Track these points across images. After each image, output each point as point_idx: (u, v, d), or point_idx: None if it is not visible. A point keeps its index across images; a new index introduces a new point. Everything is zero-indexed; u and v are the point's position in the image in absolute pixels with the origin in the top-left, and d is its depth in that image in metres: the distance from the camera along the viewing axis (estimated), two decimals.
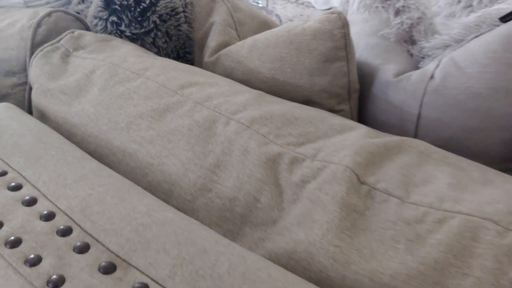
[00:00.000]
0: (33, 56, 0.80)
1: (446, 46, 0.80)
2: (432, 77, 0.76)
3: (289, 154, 0.62)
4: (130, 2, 0.84)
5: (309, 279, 0.52)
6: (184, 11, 0.92)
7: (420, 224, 0.52)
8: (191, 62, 0.95)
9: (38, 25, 0.82)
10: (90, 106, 0.72)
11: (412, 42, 0.85)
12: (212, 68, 0.89)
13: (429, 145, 0.66)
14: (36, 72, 0.78)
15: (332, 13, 0.76)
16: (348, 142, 0.63)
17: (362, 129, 0.67)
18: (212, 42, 0.91)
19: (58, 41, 0.81)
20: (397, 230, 0.53)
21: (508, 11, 0.73)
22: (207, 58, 0.90)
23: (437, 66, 0.77)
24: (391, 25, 0.85)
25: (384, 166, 0.60)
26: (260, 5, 3.32)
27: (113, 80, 0.73)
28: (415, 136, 0.79)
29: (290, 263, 0.53)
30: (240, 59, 0.84)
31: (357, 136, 0.65)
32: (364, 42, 0.87)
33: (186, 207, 0.62)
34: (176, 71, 0.76)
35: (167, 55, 0.91)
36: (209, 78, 0.76)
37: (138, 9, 0.85)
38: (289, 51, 0.79)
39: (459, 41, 0.78)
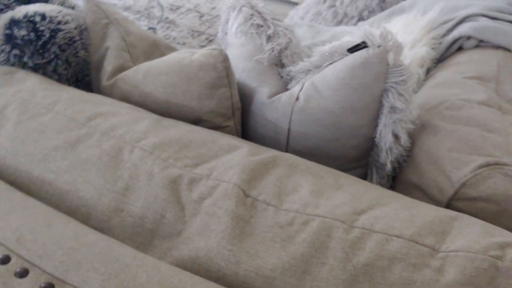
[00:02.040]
0: None
1: (308, 71, 0.97)
2: (297, 98, 0.94)
3: (188, 175, 0.76)
4: (31, 37, 0.92)
5: (210, 278, 0.67)
6: (81, 39, 1.01)
7: (290, 226, 0.70)
8: (89, 84, 1.05)
9: None
10: (7, 140, 0.80)
11: (282, 65, 1.02)
12: (110, 91, 0.99)
13: (297, 158, 0.83)
14: None
15: (214, 49, 0.91)
16: (234, 162, 0.79)
17: (245, 148, 0.83)
18: (108, 66, 1.01)
19: None
20: (274, 233, 0.69)
21: (354, 43, 0.92)
22: (105, 81, 1.00)
23: (301, 89, 0.95)
24: (264, 51, 1.02)
25: (263, 179, 0.77)
26: None
27: (25, 116, 0.82)
28: (287, 145, 0.97)
29: (194, 267, 0.68)
30: (136, 83, 0.96)
31: (241, 155, 0.81)
32: (242, 65, 1.02)
33: (103, 226, 0.75)
34: (81, 102, 0.86)
35: (68, 80, 1.00)
36: (112, 107, 0.87)
37: (39, 42, 0.93)
38: (180, 79, 0.92)
39: (318, 67, 0.96)
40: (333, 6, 1.92)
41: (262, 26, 1.05)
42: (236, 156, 0.81)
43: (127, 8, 3.41)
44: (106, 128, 0.82)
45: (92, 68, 1.04)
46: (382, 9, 1.83)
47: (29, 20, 0.93)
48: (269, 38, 1.03)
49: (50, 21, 0.96)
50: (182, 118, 0.95)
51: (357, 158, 0.99)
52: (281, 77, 1.02)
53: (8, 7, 1.07)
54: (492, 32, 1.26)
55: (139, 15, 3.33)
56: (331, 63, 0.95)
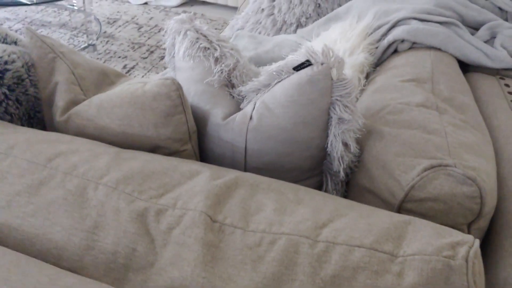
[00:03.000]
0: None
1: (258, 89, 1.02)
2: (251, 118, 0.98)
3: (154, 207, 0.79)
4: None
5: None
6: (29, 76, 1.01)
7: (258, 247, 0.74)
8: (42, 120, 1.05)
9: None
10: None
11: (232, 86, 1.06)
12: (64, 126, 1.00)
13: (257, 177, 0.87)
14: None
15: (166, 79, 0.94)
16: (198, 188, 0.82)
17: (206, 172, 0.87)
18: (60, 101, 1.01)
19: None
20: (244, 255, 0.73)
21: (299, 62, 0.96)
22: (58, 117, 1.00)
23: (254, 108, 0.98)
24: (213, 73, 1.05)
25: (227, 203, 0.80)
26: (75, 8, 3.29)
27: None
28: (245, 162, 1.00)
29: None
30: (90, 117, 0.97)
31: (203, 181, 0.84)
32: (194, 88, 1.05)
33: (76, 266, 0.76)
34: (39, 143, 0.87)
35: (20, 119, 1.00)
36: (70, 144, 0.88)
37: None
38: (134, 110, 0.94)
39: (267, 86, 1.01)
40: (272, 14, 1.97)
41: (208, 48, 1.08)
42: (198, 182, 0.84)
43: (63, 25, 3.35)
44: (67, 168, 0.83)
45: (43, 104, 1.04)
46: (318, 15, 1.90)
47: None
48: (216, 60, 1.06)
49: None
50: (140, 147, 0.97)
51: (311, 168, 1.04)
52: (233, 97, 1.06)
53: None
54: (424, 34, 1.34)
55: (76, 32, 3.27)
56: (279, 81, 0.99)
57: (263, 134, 0.97)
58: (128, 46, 3.13)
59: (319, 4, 1.89)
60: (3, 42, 1.13)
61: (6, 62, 0.97)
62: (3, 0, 2.46)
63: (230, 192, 0.82)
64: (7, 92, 0.96)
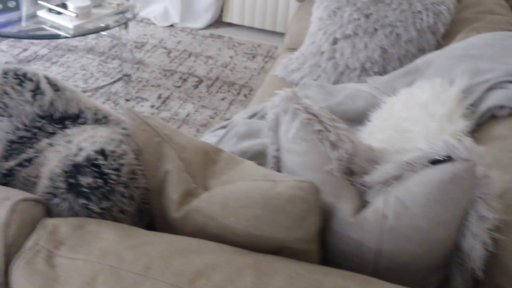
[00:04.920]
0: (12, 263, 0.76)
1: (386, 181, 0.95)
2: (384, 216, 0.91)
3: None
4: (99, 183, 0.84)
5: None
6: (139, 165, 0.94)
7: None
8: (149, 211, 0.97)
9: (7, 226, 0.78)
10: None
11: (351, 173, 0.99)
12: (182, 223, 0.92)
13: None
14: (24, 285, 0.75)
15: (303, 181, 0.86)
16: None
17: None
18: (173, 194, 0.94)
19: (35, 244, 0.78)
20: None
21: (436, 156, 0.90)
22: (174, 213, 0.93)
23: (385, 205, 0.92)
24: (331, 159, 0.98)
25: None
26: (104, 33, 3.21)
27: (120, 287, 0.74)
28: (375, 263, 0.93)
29: None
30: (212, 215, 0.90)
31: None
32: (312, 177, 0.98)
33: None
34: (173, 258, 0.79)
35: (133, 216, 0.92)
36: (204, 256, 0.81)
37: (106, 187, 0.85)
38: (265, 212, 0.87)
39: (397, 177, 0.94)
40: (333, 58, 1.90)
41: (322, 131, 1.01)
42: None
43: (90, 50, 3.26)
44: None
45: (152, 194, 0.97)
46: (384, 60, 1.83)
47: (93, 164, 0.85)
48: (332, 145, 0.99)
49: (113, 159, 0.88)
50: (265, 247, 0.90)
51: (441, 264, 0.97)
52: (352, 184, 0.99)
53: (39, 130, 0.98)
54: None
55: (104, 57, 3.19)
56: (412, 172, 0.92)
57: (400, 235, 0.90)
58: (160, 73, 3.04)
59: (385, 49, 1.82)
60: (95, 120, 1.06)
61: (120, 156, 0.90)
62: (42, 34, 2.37)
63: None
64: (123, 190, 0.89)
